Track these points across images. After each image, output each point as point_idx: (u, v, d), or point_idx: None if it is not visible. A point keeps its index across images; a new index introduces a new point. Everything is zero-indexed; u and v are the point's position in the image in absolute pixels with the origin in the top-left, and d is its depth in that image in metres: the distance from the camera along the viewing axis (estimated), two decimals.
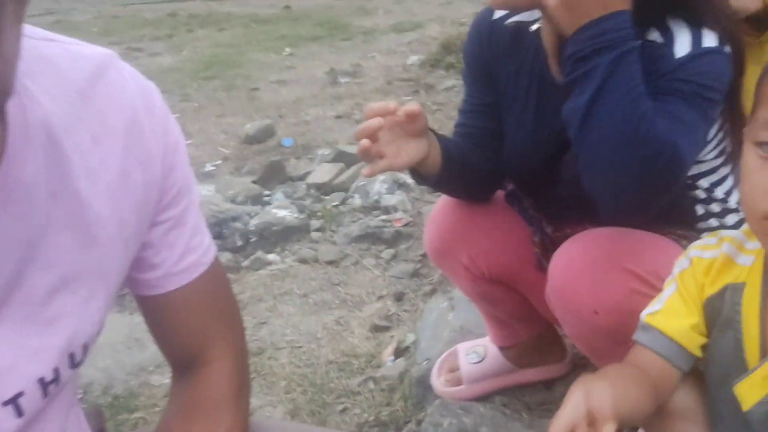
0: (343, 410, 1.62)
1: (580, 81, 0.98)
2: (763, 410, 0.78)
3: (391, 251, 2.35)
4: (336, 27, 6.16)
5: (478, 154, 1.25)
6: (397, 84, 4.39)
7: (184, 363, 0.78)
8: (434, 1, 6.84)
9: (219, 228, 2.45)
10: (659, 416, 0.89)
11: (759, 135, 0.72)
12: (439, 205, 1.38)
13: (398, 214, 2.56)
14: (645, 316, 0.89)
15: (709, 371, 0.86)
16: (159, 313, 0.75)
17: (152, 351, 1.78)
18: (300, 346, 1.87)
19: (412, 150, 1.08)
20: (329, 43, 5.64)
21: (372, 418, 1.58)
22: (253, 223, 2.50)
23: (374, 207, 2.64)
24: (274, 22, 6.62)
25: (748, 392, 0.79)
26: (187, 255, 0.73)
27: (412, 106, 1.04)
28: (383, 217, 2.55)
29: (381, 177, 2.81)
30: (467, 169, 1.23)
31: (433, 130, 1.17)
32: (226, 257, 2.35)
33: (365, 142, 1.01)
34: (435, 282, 2.12)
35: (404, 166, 1.09)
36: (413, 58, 4.84)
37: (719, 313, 0.84)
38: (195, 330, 0.76)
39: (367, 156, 1.03)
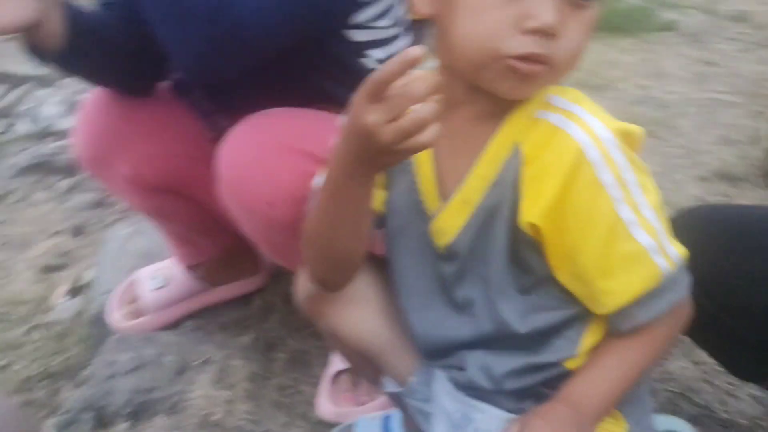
0: (3, 368, 1.33)
1: None
2: (466, 237, 0.72)
3: (69, 181, 2.02)
4: None
5: (123, 27, 1.02)
6: None
7: None
8: None
9: None
10: (328, 303, 0.80)
11: None
12: (88, 104, 1.13)
13: None
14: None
15: (389, 224, 0.79)
16: None
17: None
18: None
19: (11, 9, 0.82)
20: None
21: (40, 370, 1.32)
22: None
23: (46, 133, 2.26)
24: None
25: (447, 223, 0.73)
26: None
27: None
28: (58, 143, 2.18)
29: (55, 97, 2.41)
30: (107, 45, 1.00)
31: None
32: None
33: None
34: (123, 210, 1.86)
35: None
36: None
37: None
38: None
39: None
